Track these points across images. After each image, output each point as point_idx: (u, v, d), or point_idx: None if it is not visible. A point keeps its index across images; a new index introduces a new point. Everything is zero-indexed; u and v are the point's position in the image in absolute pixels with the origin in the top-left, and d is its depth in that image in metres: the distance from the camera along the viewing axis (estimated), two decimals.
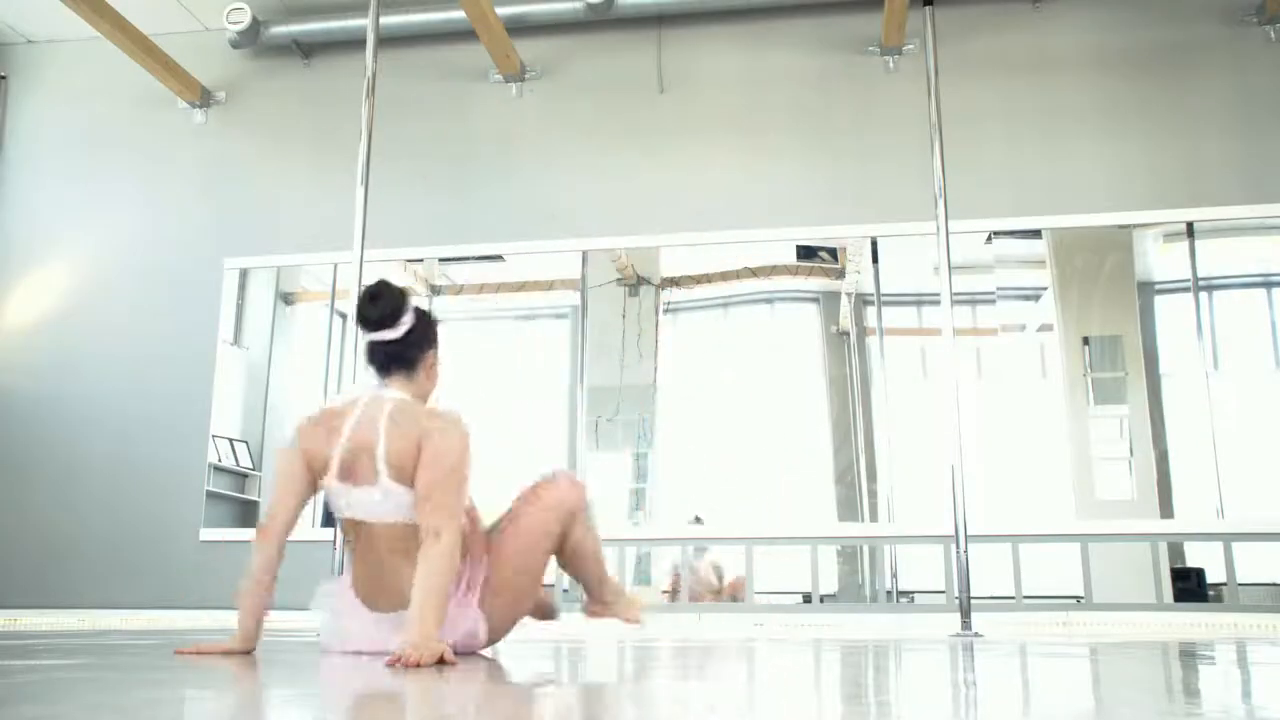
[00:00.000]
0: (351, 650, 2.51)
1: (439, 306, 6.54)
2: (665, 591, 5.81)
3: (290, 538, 2.48)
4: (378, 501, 2.43)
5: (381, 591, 2.48)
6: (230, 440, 6.23)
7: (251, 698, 1.70)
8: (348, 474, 2.44)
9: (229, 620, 2.58)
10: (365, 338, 2.58)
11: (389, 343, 2.54)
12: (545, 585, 3.01)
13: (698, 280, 6.32)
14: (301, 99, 6.52)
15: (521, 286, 6.54)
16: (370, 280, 2.66)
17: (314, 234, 6.13)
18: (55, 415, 6.26)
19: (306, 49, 6.52)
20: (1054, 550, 5.32)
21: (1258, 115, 5.63)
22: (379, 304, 2.53)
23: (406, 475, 2.40)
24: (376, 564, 2.48)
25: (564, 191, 6.10)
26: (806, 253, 6.15)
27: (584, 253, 6.10)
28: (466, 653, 2.48)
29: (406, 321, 2.54)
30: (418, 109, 6.27)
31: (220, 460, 6.12)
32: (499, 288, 6.57)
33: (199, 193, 6.45)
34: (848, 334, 6.12)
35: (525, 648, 2.97)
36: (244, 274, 6.41)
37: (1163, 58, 5.80)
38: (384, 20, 5.25)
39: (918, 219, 5.36)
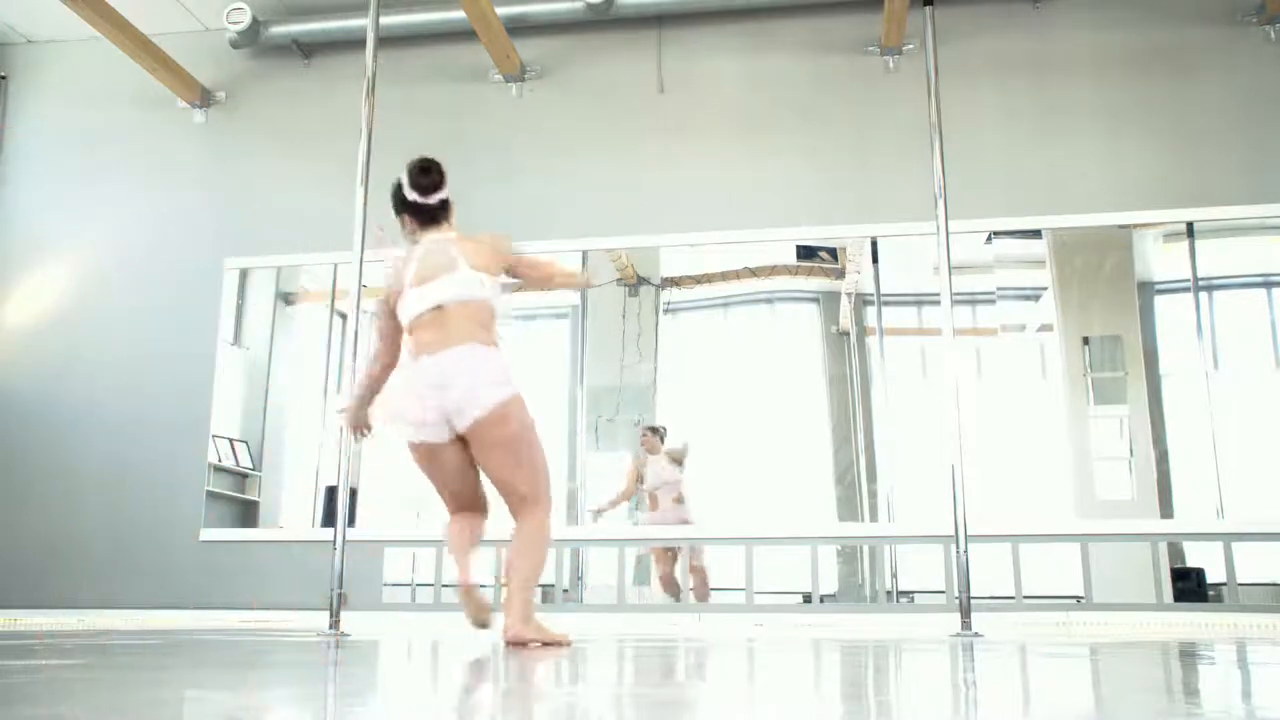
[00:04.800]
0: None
1: None
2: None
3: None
4: (458, 283, 3.19)
5: (443, 341, 3.14)
6: (230, 440, 6.23)
7: (254, 697, 1.69)
8: (423, 279, 3.20)
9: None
10: (412, 198, 3.30)
11: (437, 205, 3.35)
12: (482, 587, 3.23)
13: (698, 280, 6.32)
14: (301, 99, 6.51)
15: (521, 286, 6.53)
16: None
17: (314, 234, 6.13)
18: (55, 415, 6.26)
19: (306, 49, 6.52)
20: (1054, 550, 5.31)
21: (1258, 115, 5.63)
22: (430, 175, 3.33)
23: (482, 264, 3.27)
24: (442, 328, 3.16)
25: (564, 191, 6.10)
26: (806, 253, 6.14)
27: (584, 253, 6.10)
28: None
29: (445, 191, 3.37)
30: (418, 109, 6.26)
31: (220, 460, 6.12)
32: None
33: (199, 193, 6.44)
34: (848, 334, 6.12)
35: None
36: (244, 274, 6.41)
37: (1163, 58, 5.79)
38: (384, 20, 5.24)
39: (918, 219, 5.36)
